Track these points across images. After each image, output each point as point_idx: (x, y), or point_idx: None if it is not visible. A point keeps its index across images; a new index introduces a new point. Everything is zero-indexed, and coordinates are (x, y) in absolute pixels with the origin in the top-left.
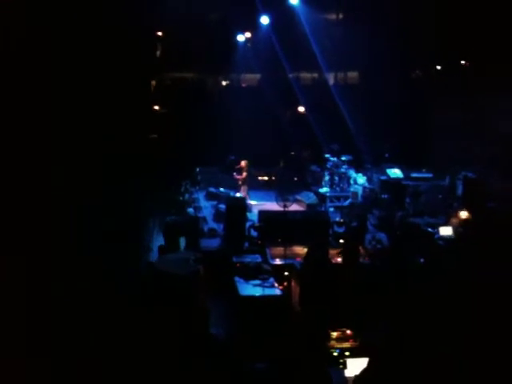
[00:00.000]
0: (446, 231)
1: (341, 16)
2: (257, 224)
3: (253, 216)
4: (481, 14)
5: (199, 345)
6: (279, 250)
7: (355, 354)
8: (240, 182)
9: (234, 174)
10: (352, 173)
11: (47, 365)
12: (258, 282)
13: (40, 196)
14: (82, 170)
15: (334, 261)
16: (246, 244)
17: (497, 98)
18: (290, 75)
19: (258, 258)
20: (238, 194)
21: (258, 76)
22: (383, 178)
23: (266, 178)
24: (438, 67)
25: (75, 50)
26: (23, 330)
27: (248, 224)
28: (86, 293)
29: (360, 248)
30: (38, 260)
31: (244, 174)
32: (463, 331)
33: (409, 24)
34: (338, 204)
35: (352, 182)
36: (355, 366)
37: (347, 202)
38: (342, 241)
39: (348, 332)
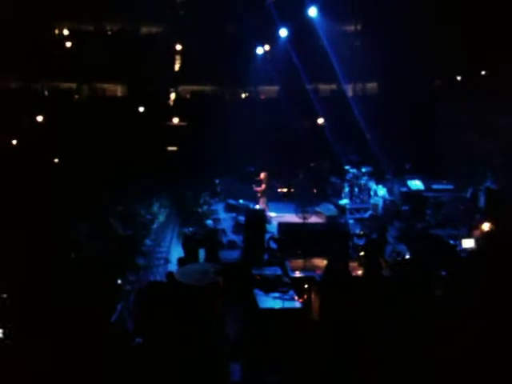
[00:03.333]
0: (468, 243)
1: (359, 27)
2: (276, 236)
3: (272, 228)
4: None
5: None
6: (299, 262)
7: None
8: (259, 194)
9: (254, 185)
10: (372, 184)
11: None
12: (277, 294)
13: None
14: (98, 180)
15: (354, 273)
16: (266, 256)
17: None
18: (309, 87)
19: (278, 271)
20: (257, 206)
21: (276, 88)
22: (404, 189)
23: (285, 190)
24: (458, 78)
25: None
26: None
27: (267, 236)
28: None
29: (381, 260)
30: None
31: (263, 185)
32: (485, 342)
33: (427, 35)
34: (358, 216)
35: (372, 193)
36: None
37: (367, 214)
38: (362, 253)
39: None
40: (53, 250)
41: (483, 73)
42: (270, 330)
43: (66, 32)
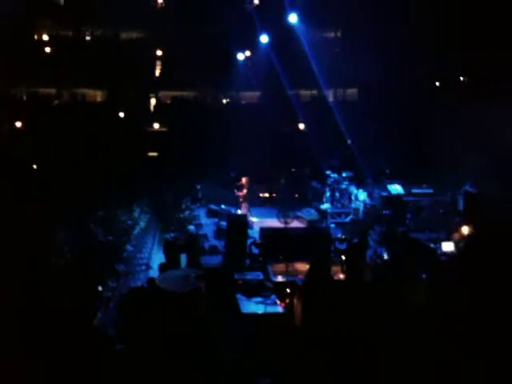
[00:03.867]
0: (448, 247)
1: (339, 34)
2: (258, 241)
3: (254, 233)
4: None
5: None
6: (281, 266)
7: None
8: (241, 199)
9: (235, 190)
10: (353, 189)
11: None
12: (259, 299)
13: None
14: (78, 186)
15: (336, 277)
16: (248, 261)
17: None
18: (290, 92)
19: (260, 275)
20: (239, 211)
21: (257, 93)
22: (384, 193)
23: (266, 195)
24: (437, 83)
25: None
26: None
27: (249, 241)
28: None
29: (362, 264)
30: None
31: (245, 190)
32: (465, 345)
33: (407, 40)
34: (339, 220)
35: (353, 198)
36: None
37: (349, 219)
38: (343, 257)
39: None
40: (32, 256)
41: (462, 78)
42: (253, 335)
43: (45, 37)
